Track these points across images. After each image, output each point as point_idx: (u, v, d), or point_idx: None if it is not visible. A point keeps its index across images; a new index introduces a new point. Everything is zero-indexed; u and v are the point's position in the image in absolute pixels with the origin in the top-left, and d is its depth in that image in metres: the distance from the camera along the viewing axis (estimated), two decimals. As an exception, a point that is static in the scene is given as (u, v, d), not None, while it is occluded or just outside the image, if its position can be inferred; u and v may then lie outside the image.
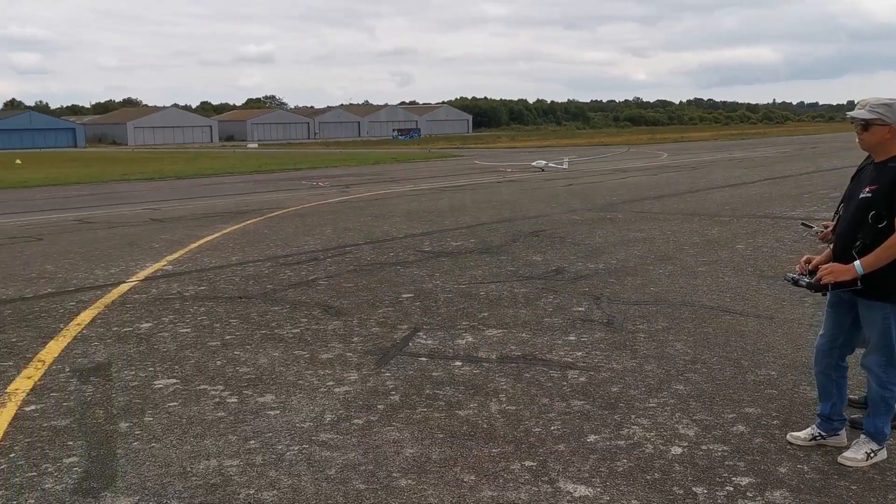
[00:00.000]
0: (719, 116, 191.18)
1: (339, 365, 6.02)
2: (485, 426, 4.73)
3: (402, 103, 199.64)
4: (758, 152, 45.05)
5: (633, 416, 4.83)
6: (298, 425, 4.79)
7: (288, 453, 4.37)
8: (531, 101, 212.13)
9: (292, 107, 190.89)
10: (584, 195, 20.52)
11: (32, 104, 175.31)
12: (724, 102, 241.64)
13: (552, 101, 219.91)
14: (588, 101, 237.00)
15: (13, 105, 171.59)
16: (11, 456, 4.41)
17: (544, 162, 34.75)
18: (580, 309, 7.70)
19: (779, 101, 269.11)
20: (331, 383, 5.59)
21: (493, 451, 4.36)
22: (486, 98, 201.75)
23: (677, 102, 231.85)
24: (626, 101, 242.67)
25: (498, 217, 15.88)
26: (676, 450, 4.33)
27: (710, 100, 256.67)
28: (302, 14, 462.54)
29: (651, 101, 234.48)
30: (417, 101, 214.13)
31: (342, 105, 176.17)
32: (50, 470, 4.21)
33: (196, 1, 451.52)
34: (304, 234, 13.79)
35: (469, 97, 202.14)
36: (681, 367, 5.79)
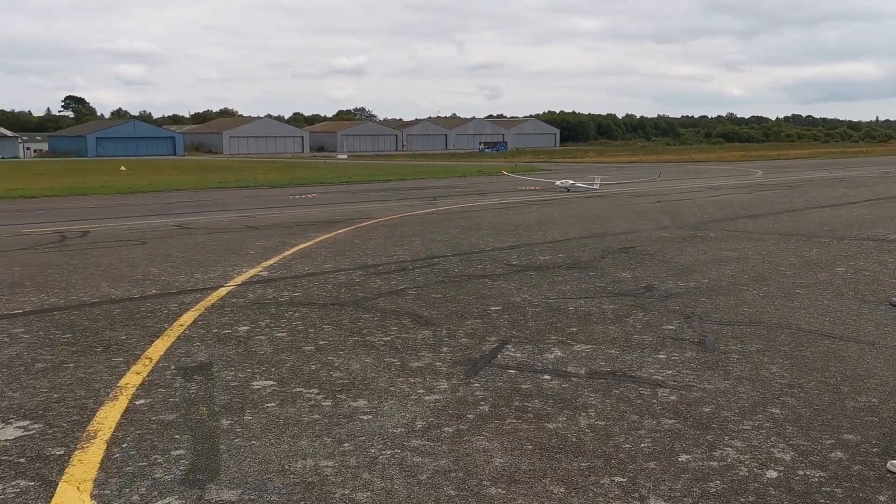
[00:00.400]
0: (818, 134, 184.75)
1: (429, 374, 6.13)
2: (574, 440, 4.75)
3: (490, 116, 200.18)
4: (859, 171, 43.35)
5: (726, 438, 4.76)
6: (390, 430, 4.91)
7: (381, 457, 4.50)
8: (620, 115, 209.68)
9: (381, 119, 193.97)
10: (674, 212, 20.18)
11: (137, 114, 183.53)
12: (824, 119, 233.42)
13: (641, 117, 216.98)
14: (678, 116, 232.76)
15: (119, 114, 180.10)
16: (124, 446, 4.67)
17: (570, 181, 31.04)
18: (670, 327, 7.61)
19: (882, 118, 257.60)
20: (421, 391, 5.70)
21: (583, 464, 4.38)
22: (573, 112, 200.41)
23: (773, 119, 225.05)
24: (718, 116, 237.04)
25: (586, 232, 15.80)
26: (772, 474, 4.25)
27: (808, 116, 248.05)
28: (394, 28, 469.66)
29: (746, 118, 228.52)
30: (505, 114, 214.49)
31: (430, 118, 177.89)
32: (159, 461, 4.45)
33: (292, 16, 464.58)
34: (394, 245, 14.03)
35: (557, 111, 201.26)
36: (776, 391, 5.66)
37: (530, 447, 4.64)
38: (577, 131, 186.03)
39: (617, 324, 7.74)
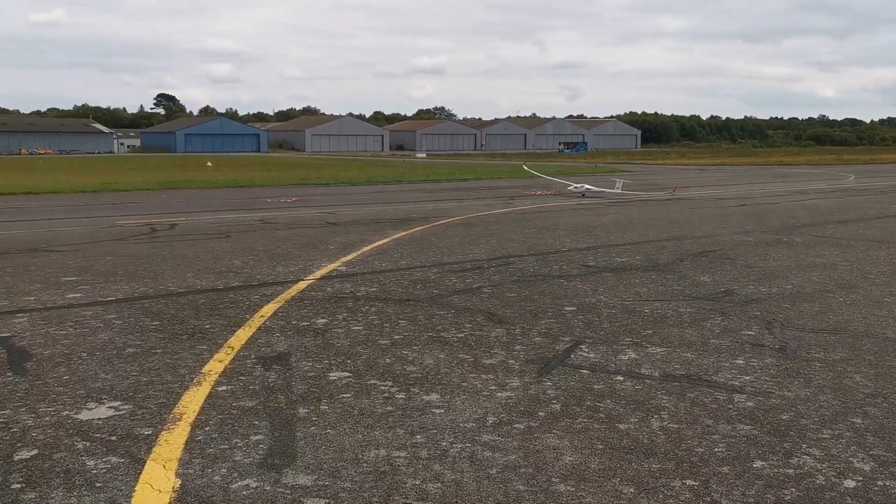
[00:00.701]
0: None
1: (501, 371, 6.18)
2: (645, 441, 4.72)
3: (570, 117, 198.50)
4: (959, 177, 41.30)
5: (804, 446, 4.65)
6: (462, 425, 4.97)
7: (452, 450, 4.57)
8: (704, 117, 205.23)
9: (460, 118, 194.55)
10: (758, 216, 19.67)
11: (223, 111, 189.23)
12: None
13: (727, 118, 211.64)
14: (767, 118, 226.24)
15: (207, 112, 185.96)
16: (206, 429, 4.87)
17: (586, 186, 28.51)
18: (750, 333, 7.45)
19: None
20: (493, 388, 5.75)
21: (654, 466, 4.36)
22: (656, 113, 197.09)
23: (868, 122, 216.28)
24: (809, 118, 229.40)
25: (665, 235, 15.55)
26: (850, 483, 4.14)
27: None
28: (475, 28, 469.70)
29: (839, 120, 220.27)
30: (585, 114, 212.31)
31: (509, 117, 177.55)
32: (239, 444, 4.63)
33: (375, 16, 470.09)
34: (470, 244, 14.11)
35: (639, 112, 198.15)
36: (859, 400, 5.49)
37: (601, 447, 4.63)
38: (658, 133, 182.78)
39: (694, 327, 7.62)
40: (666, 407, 5.33)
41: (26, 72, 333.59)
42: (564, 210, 21.78)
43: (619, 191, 28.14)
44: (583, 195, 27.25)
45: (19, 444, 4.61)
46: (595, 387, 5.77)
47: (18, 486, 4.07)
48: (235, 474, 4.21)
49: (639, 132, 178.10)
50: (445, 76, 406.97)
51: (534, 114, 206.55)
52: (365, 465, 4.35)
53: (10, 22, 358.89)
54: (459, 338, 7.21)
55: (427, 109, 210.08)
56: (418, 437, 4.77)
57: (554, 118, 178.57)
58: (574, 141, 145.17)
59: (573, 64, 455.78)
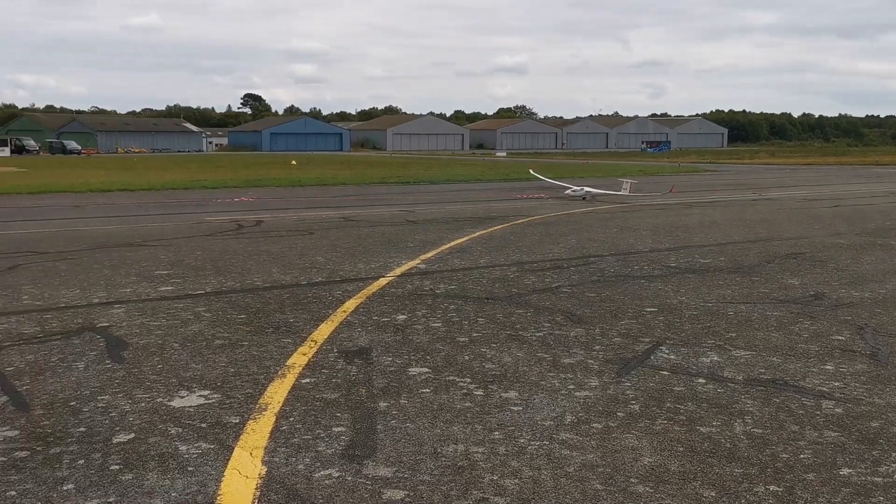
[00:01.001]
0: None
1: (580, 370, 6.16)
2: (728, 445, 4.64)
3: (653, 115, 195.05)
4: None
5: (893, 454, 4.49)
6: (540, 423, 4.99)
7: (529, 447, 4.59)
8: (796, 115, 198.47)
9: (541, 117, 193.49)
10: (852, 218, 18.95)
11: (307, 111, 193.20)
12: None
13: (820, 116, 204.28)
14: (862, 116, 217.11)
15: (291, 111, 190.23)
16: (291, 420, 5.03)
17: (586, 188, 26.40)
18: (840, 338, 7.21)
19: None
20: (571, 387, 5.74)
21: (736, 470, 4.28)
22: (744, 111, 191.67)
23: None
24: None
25: (751, 236, 15.16)
26: (945, 496, 3.99)
27: None
28: (558, 26, 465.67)
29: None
30: (669, 113, 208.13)
31: (591, 116, 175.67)
32: (322, 435, 4.76)
33: (457, 15, 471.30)
34: (549, 243, 14.06)
35: (725, 110, 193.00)
36: (957, 410, 5.26)
37: (681, 449, 4.58)
38: (747, 131, 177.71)
39: (780, 331, 7.43)
40: (750, 411, 5.23)
41: (123, 74, 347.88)
42: (646, 210, 21.44)
43: (626, 193, 25.85)
44: (583, 198, 25.24)
45: (117, 428, 4.86)
46: (675, 389, 5.70)
47: (117, 467, 4.29)
48: (318, 464, 4.34)
49: (725, 131, 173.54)
50: (527, 75, 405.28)
51: (616, 112, 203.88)
52: (443, 458, 4.42)
53: (107, 26, 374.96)
54: (538, 337, 7.21)
55: (508, 108, 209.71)
56: (496, 433, 4.81)
57: (637, 117, 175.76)
58: (657, 140, 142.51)
59: (657, 61, 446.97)
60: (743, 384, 5.82)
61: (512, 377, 5.97)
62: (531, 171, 36.21)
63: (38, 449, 4.53)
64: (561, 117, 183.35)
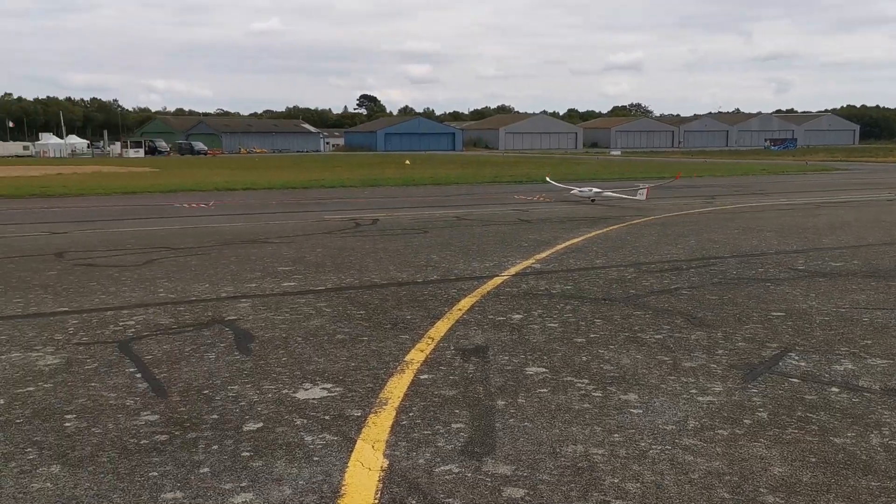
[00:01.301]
0: None
1: (702, 374, 5.98)
2: (863, 457, 4.40)
3: (778, 111, 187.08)
4: None
5: None
6: (661, 427, 4.88)
7: (651, 451, 4.50)
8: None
9: (657, 115, 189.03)
10: None
11: (421, 111, 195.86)
12: None
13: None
14: None
15: (405, 112, 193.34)
16: (410, 414, 5.12)
17: (595, 189, 24.72)
18: None
19: None
20: (694, 391, 5.58)
21: (872, 483, 4.06)
22: (877, 106, 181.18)
23: None
24: None
25: (888, 238, 14.31)
26: None
27: None
28: (676, 21, 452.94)
29: None
30: (795, 108, 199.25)
31: (710, 113, 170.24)
32: (441, 431, 4.82)
33: (572, 12, 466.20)
34: (667, 243, 13.72)
35: (857, 105, 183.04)
36: None
37: (813, 460, 4.38)
38: (880, 127, 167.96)
39: (921, 339, 6.98)
40: (888, 422, 4.94)
41: (245, 77, 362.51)
42: (771, 210, 20.59)
43: (643, 198, 23.51)
44: (592, 200, 23.79)
45: (247, 417, 5.07)
46: (807, 397, 5.45)
47: (248, 454, 4.48)
48: (438, 459, 4.39)
49: (857, 127, 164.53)
50: (642, 72, 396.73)
51: (737, 109, 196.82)
52: (563, 459, 4.39)
53: (232, 32, 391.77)
54: (657, 339, 7.05)
55: (622, 106, 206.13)
56: (616, 435, 4.74)
57: (759, 113, 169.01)
58: (782, 137, 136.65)
59: (782, 55, 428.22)
60: (880, 394, 5.51)
61: (631, 379, 5.86)
62: (547, 179, 32.08)
63: (176, 433, 4.79)
64: (677, 115, 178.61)
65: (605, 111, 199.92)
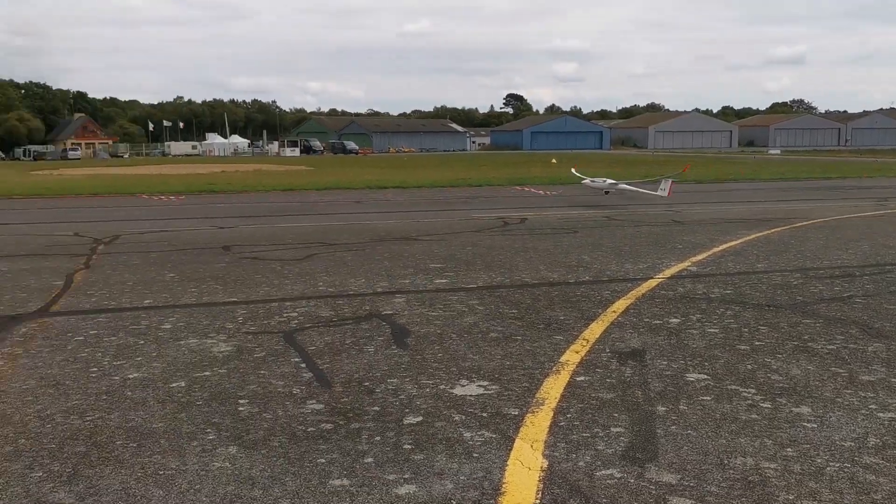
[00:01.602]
0: None
1: (882, 389, 5.57)
2: None
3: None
4: None
5: None
6: (839, 443, 4.58)
7: (828, 468, 4.23)
8: None
9: (821, 111, 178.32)
10: None
11: (568, 109, 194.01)
12: None
13: None
14: None
15: (552, 110, 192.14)
16: (568, 416, 5.06)
17: (609, 181, 24.01)
18: None
19: None
20: (873, 406, 5.21)
21: None
22: None
23: None
24: None
25: None
26: None
27: None
28: (845, 11, 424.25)
29: None
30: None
31: (881, 109, 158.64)
32: (600, 434, 4.74)
33: (729, 5, 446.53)
34: (836, 248, 12.90)
35: None
36: None
37: None
38: None
39: None
40: None
41: (396, 78, 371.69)
42: (953, 214, 18.94)
43: (664, 193, 22.93)
44: (606, 192, 23.18)
45: (407, 410, 5.18)
46: None
47: (409, 447, 4.58)
48: (599, 463, 4.32)
49: None
50: (805, 66, 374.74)
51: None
52: (731, 471, 4.21)
53: (384, 34, 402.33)
54: (830, 350, 6.63)
55: (783, 102, 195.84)
56: (789, 449, 4.49)
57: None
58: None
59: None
60: None
61: (803, 391, 5.54)
62: (573, 171, 30.23)
63: (340, 423, 4.96)
64: (844, 111, 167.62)
65: (762, 108, 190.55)
